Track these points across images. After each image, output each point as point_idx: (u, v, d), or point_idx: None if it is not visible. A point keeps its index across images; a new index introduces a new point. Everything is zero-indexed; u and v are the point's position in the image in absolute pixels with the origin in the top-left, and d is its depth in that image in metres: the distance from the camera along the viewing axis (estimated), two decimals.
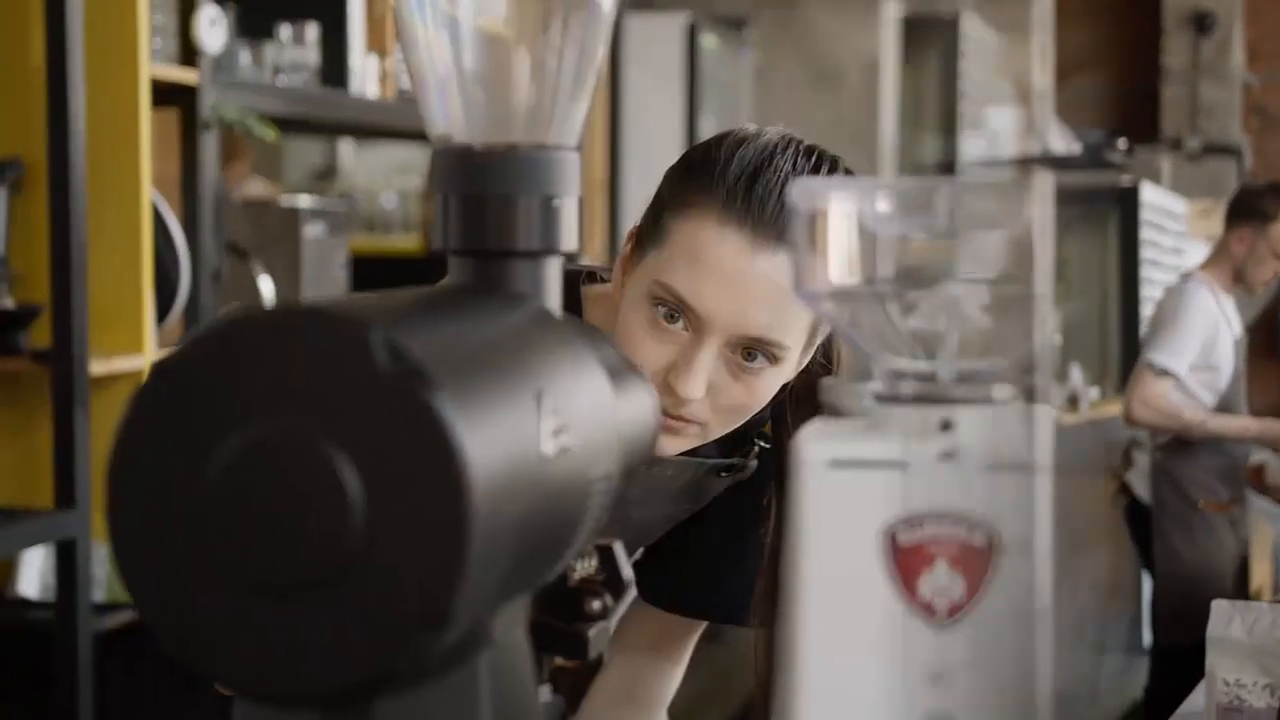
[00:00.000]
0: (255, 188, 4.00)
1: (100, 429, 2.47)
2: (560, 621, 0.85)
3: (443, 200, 0.80)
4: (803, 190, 0.72)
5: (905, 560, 0.69)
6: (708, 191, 1.27)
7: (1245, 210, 4.40)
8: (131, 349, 2.58)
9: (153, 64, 2.64)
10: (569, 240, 0.81)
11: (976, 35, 7.39)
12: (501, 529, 0.64)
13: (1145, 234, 6.92)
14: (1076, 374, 6.27)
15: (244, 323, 0.63)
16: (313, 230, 3.13)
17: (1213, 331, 4.34)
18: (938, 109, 7.29)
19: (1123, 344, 7.35)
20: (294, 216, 3.18)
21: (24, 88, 2.52)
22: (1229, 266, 4.43)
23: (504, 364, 0.69)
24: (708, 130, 6.37)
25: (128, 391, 2.60)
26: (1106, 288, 7.17)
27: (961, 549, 0.68)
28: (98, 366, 2.51)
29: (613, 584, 0.87)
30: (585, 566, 0.87)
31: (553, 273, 0.81)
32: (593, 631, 0.84)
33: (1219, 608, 2.02)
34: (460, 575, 0.61)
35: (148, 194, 2.59)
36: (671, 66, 5.57)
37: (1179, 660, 4.39)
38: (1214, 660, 1.95)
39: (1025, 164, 5.63)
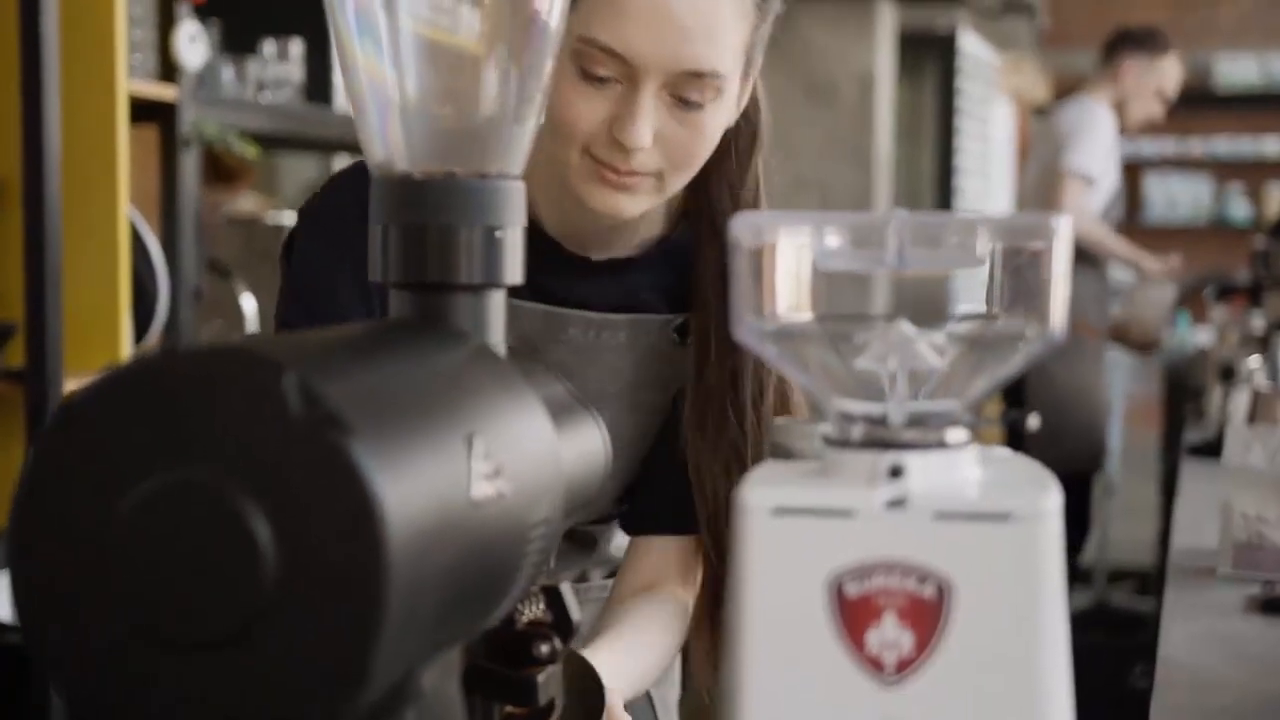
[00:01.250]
0: (246, 203, 3.97)
1: None
2: (508, 667, 0.82)
3: (382, 231, 0.77)
4: (746, 225, 0.69)
5: (852, 613, 0.66)
6: None
7: (1137, 41, 4.58)
8: (108, 368, 2.55)
9: (132, 80, 2.61)
10: (513, 273, 0.78)
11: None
12: (425, 580, 0.61)
13: (959, 83, 6.98)
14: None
15: (155, 363, 0.60)
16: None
17: (1110, 144, 4.52)
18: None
19: (937, 194, 7.39)
20: (279, 234, 3.15)
21: None
22: (1111, 99, 4.61)
23: (433, 406, 0.66)
24: None
25: None
26: (922, 134, 7.19)
27: (911, 601, 0.65)
28: (73, 386, 2.48)
29: (561, 626, 0.84)
30: (532, 609, 0.84)
31: (496, 306, 0.78)
32: (542, 677, 0.81)
33: (1236, 433, 1.91)
34: (378, 631, 0.58)
35: (125, 211, 2.56)
36: None
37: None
38: (1231, 492, 1.83)
39: None
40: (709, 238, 1.37)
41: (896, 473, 0.67)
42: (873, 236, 0.68)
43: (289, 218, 3.31)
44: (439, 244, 0.76)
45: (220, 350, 0.60)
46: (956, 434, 0.69)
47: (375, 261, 0.77)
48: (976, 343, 0.70)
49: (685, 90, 1.23)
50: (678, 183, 1.29)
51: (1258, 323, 4.15)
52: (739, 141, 1.35)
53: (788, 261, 0.69)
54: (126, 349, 2.59)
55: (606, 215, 1.29)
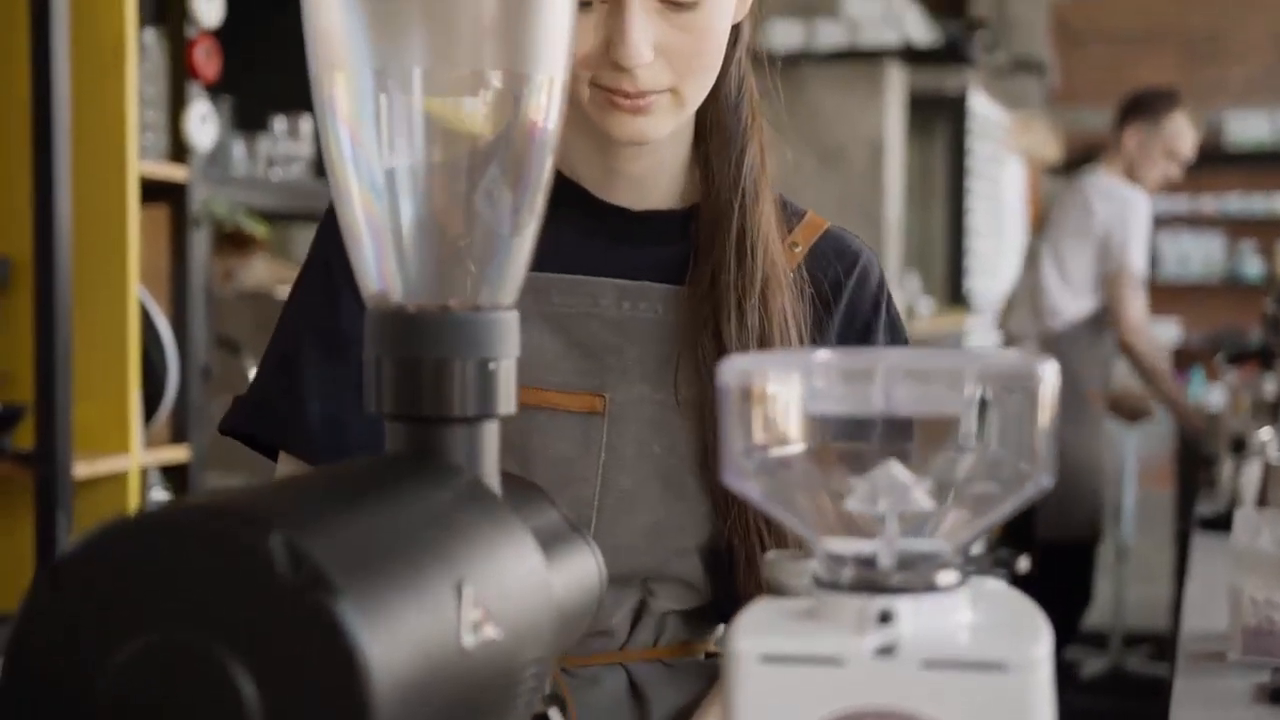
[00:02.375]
0: (259, 269, 3.98)
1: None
2: None
3: (375, 363, 0.77)
4: (733, 370, 0.69)
5: None
6: None
7: (1138, 109, 4.61)
8: (118, 449, 2.55)
9: (143, 161, 2.63)
10: (507, 404, 0.78)
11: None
12: None
13: (970, 143, 6.99)
14: (913, 283, 6.27)
15: (141, 523, 0.60)
16: None
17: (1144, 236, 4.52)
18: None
19: (949, 255, 7.38)
20: None
21: (10, 185, 2.51)
22: (1123, 167, 4.60)
23: (422, 555, 0.66)
24: None
25: (113, 494, 2.57)
26: (933, 195, 7.20)
27: None
28: (83, 469, 2.48)
29: None
30: None
31: (490, 437, 0.78)
32: None
33: (1244, 517, 1.88)
34: None
35: (135, 292, 2.57)
36: None
37: (1059, 556, 4.42)
38: (1239, 577, 1.80)
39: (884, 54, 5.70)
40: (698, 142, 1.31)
41: (886, 618, 0.67)
42: (861, 377, 0.69)
43: None
44: (433, 377, 0.76)
45: (208, 508, 0.60)
46: (947, 576, 0.69)
47: (370, 392, 0.77)
48: (966, 485, 0.69)
49: None
50: (696, 92, 1.21)
51: (1270, 387, 4.14)
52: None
53: (775, 404, 0.69)
54: (136, 429, 2.60)
55: (631, 142, 1.22)
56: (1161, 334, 10.25)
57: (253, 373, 3.05)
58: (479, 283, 0.78)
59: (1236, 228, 10.24)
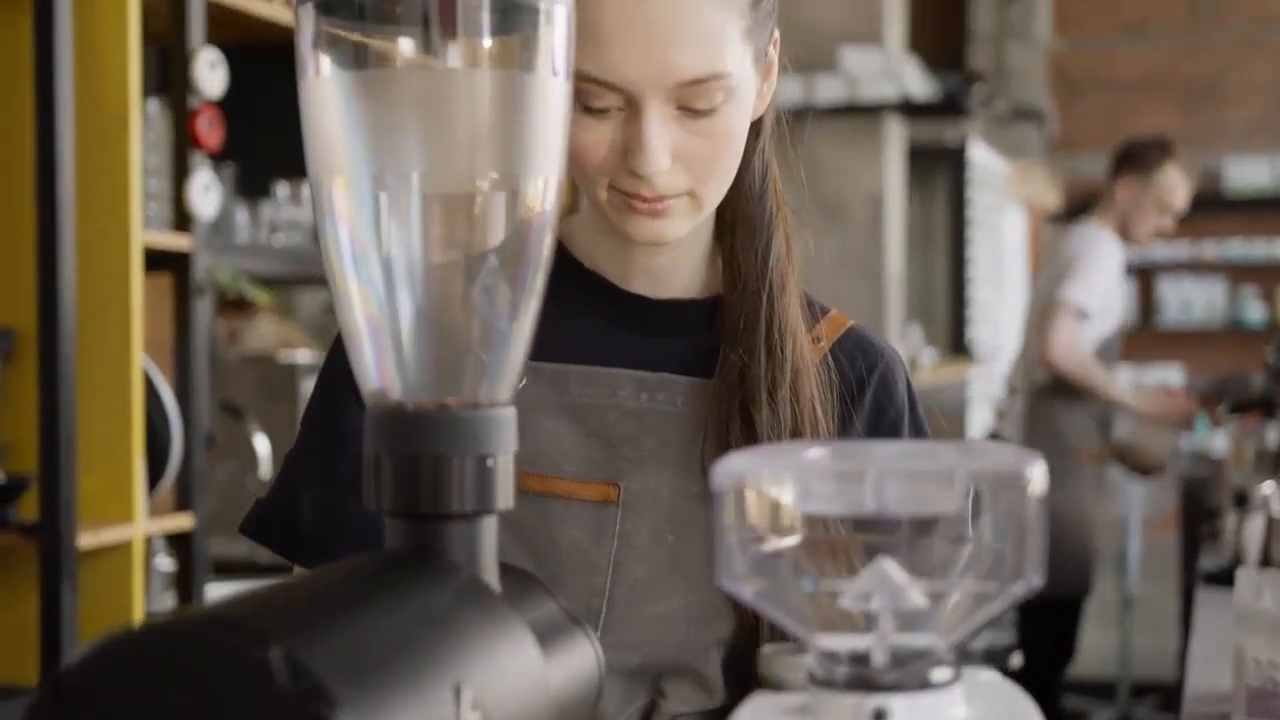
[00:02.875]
0: (264, 329, 4.00)
1: (88, 604, 2.45)
2: None
3: (375, 460, 0.78)
4: (726, 470, 0.70)
5: None
6: None
7: (1129, 160, 4.59)
8: (122, 519, 2.56)
9: (147, 231, 2.65)
10: (505, 499, 0.79)
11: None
12: None
13: (970, 193, 7.00)
14: (916, 334, 6.26)
15: (143, 635, 0.61)
16: (311, 386, 3.12)
17: (1113, 278, 4.51)
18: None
19: (951, 305, 7.38)
20: (292, 373, 3.18)
21: (15, 256, 2.53)
22: (1115, 217, 4.59)
23: (420, 659, 0.67)
24: None
25: (117, 564, 2.58)
26: (934, 245, 7.22)
27: None
28: (87, 539, 2.49)
29: None
30: None
31: (488, 532, 0.79)
32: None
33: (1245, 577, 1.87)
34: None
35: (139, 362, 2.58)
36: None
37: (1042, 615, 4.40)
38: (1242, 637, 1.79)
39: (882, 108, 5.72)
40: (722, 234, 1.30)
41: (881, 717, 0.67)
42: (853, 478, 0.70)
43: (302, 356, 3.33)
44: (432, 475, 0.77)
45: (209, 619, 0.61)
46: (941, 673, 0.69)
47: (369, 489, 0.78)
48: (958, 582, 0.70)
49: (691, 100, 1.15)
50: (713, 195, 1.21)
51: (1273, 436, 4.14)
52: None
53: (768, 504, 0.70)
54: (140, 498, 2.61)
55: (650, 243, 1.22)
56: (1164, 379, 10.28)
57: (257, 438, 3.06)
58: (477, 380, 0.79)
59: (1238, 273, 10.27)
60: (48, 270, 2.45)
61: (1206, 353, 10.35)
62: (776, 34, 1.26)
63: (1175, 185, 4.58)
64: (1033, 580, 0.69)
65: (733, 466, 0.71)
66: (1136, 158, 4.59)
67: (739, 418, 1.24)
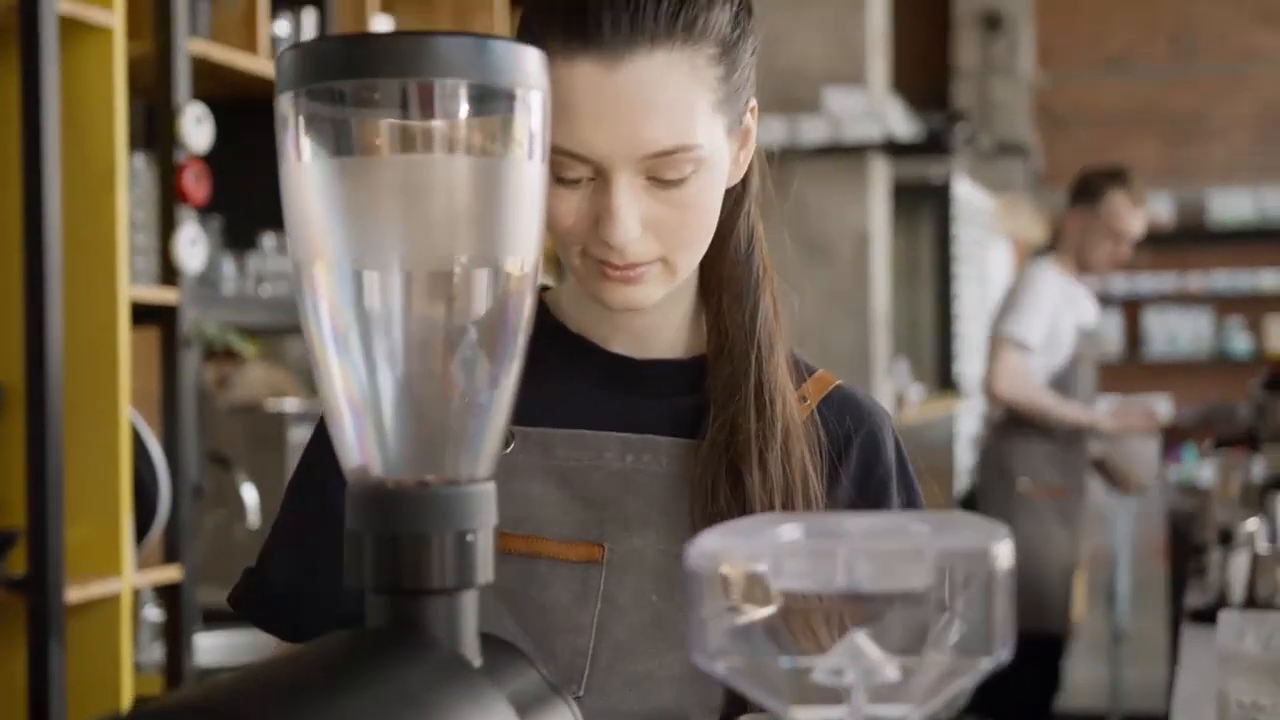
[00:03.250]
0: (253, 373, 4.01)
1: (76, 658, 2.45)
2: None
3: (357, 536, 0.80)
4: (700, 552, 0.72)
5: None
6: (545, 32, 1.16)
7: (1079, 192, 4.61)
8: (110, 572, 2.57)
9: (133, 285, 2.66)
10: (484, 573, 0.80)
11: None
12: None
13: (955, 229, 7.03)
14: (903, 370, 6.27)
15: None
16: (299, 435, 3.14)
17: (1056, 312, 4.51)
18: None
19: (937, 340, 7.39)
20: (281, 421, 3.19)
21: (2, 311, 2.54)
22: (1071, 251, 4.62)
23: None
24: None
25: (106, 617, 2.58)
26: (920, 281, 7.25)
27: None
28: (75, 593, 2.49)
29: None
30: None
31: (469, 606, 0.80)
32: None
33: (1227, 620, 1.88)
34: None
35: (126, 415, 2.59)
36: None
37: (1021, 651, 4.34)
38: (1225, 680, 1.80)
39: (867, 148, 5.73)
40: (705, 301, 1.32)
41: None
42: (824, 556, 0.71)
43: (290, 404, 3.34)
44: (412, 552, 0.78)
45: (189, 706, 0.62)
46: None
47: (351, 564, 0.80)
48: (930, 656, 0.72)
49: (660, 171, 1.17)
50: (686, 262, 1.22)
51: (1258, 469, 4.15)
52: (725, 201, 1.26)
53: (741, 582, 0.72)
54: (128, 552, 2.61)
55: (625, 309, 1.23)
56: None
57: (245, 488, 3.07)
58: (457, 456, 0.81)
59: (1223, 305, 10.33)
60: (35, 325, 2.46)
61: (1193, 383, 10.39)
62: (753, 102, 1.27)
63: (1122, 212, 4.55)
64: (1001, 654, 0.71)
65: (707, 545, 0.72)
66: (1085, 188, 4.60)
67: (727, 479, 1.25)
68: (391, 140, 0.94)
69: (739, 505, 1.24)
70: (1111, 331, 10.53)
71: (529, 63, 0.80)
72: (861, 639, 0.72)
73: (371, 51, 0.79)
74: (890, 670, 0.72)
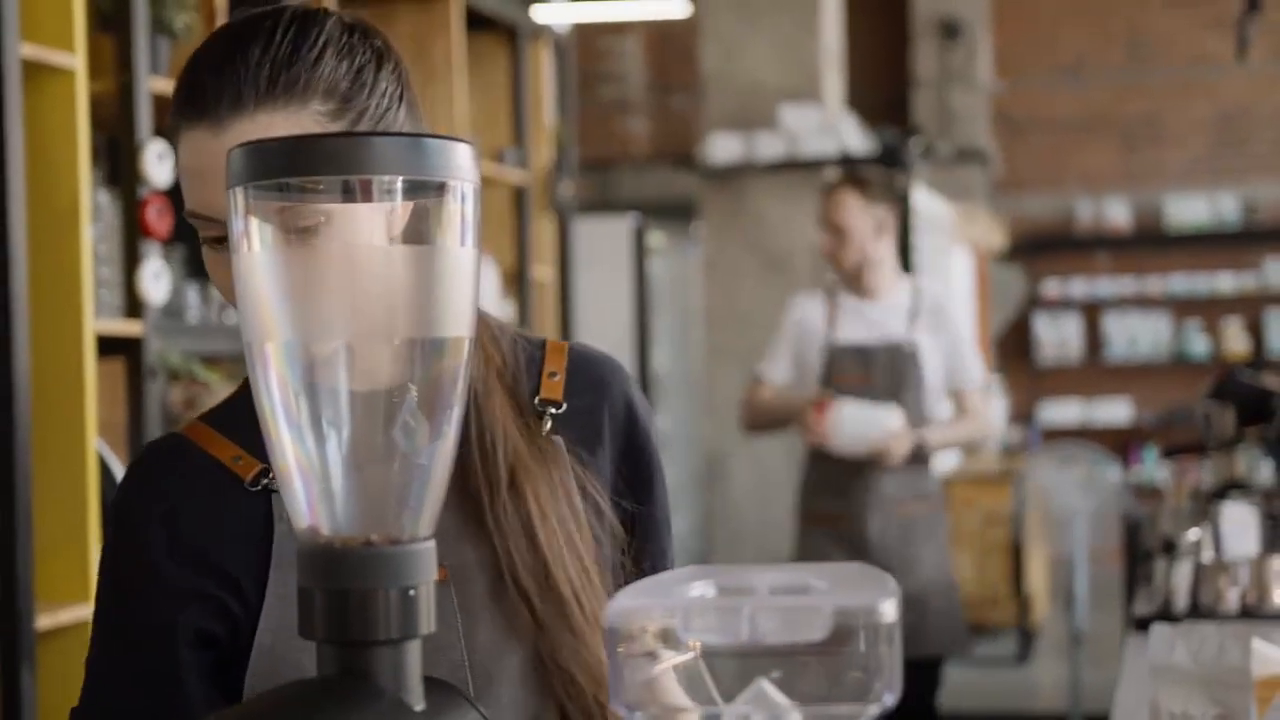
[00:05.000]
0: (220, 394, 4.06)
1: (47, 684, 2.51)
2: None
3: (307, 593, 0.86)
4: (618, 610, 0.79)
5: None
6: (175, 109, 1.24)
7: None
8: (79, 599, 2.62)
9: (98, 318, 2.72)
10: (427, 623, 0.87)
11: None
12: None
13: (914, 239, 7.11)
14: None
15: None
16: None
17: (797, 341, 4.29)
18: None
19: None
20: None
21: None
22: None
23: None
24: (658, 325, 6.54)
25: (76, 643, 2.64)
26: None
27: None
28: (45, 620, 2.55)
29: None
30: None
31: (412, 655, 0.87)
32: None
33: (1159, 632, 1.94)
34: None
35: (93, 445, 2.65)
36: (620, 264, 5.71)
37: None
38: (1157, 691, 1.86)
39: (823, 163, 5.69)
40: None
41: None
42: (730, 612, 0.78)
43: None
44: (360, 606, 0.85)
45: None
46: None
47: (303, 618, 0.87)
48: (827, 700, 0.79)
49: (290, 224, 1.17)
50: None
51: (1207, 477, 4.23)
52: None
53: (654, 637, 0.79)
54: (94, 579, 2.67)
55: None
56: (1112, 413, 10.45)
57: None
58: (399, 516, 0.88)
59: (1181, 307, 10.45)
60: (3, 357, 2.52)
61: (1153, 386, 10.52)
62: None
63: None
64: (886, 699, 0.78)
65: (623, 603, 0.79)
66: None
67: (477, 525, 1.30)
68: (333, 230, 1.01)
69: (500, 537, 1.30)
70: (1072, 335, 10.65)
71: (459, 157, 0.87)
72: (767, 686, 0.80)
73: (314, 151, 0.86)
74: (794, 716, 0.79)
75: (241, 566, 1.27)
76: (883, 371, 4.21)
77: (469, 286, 0.89)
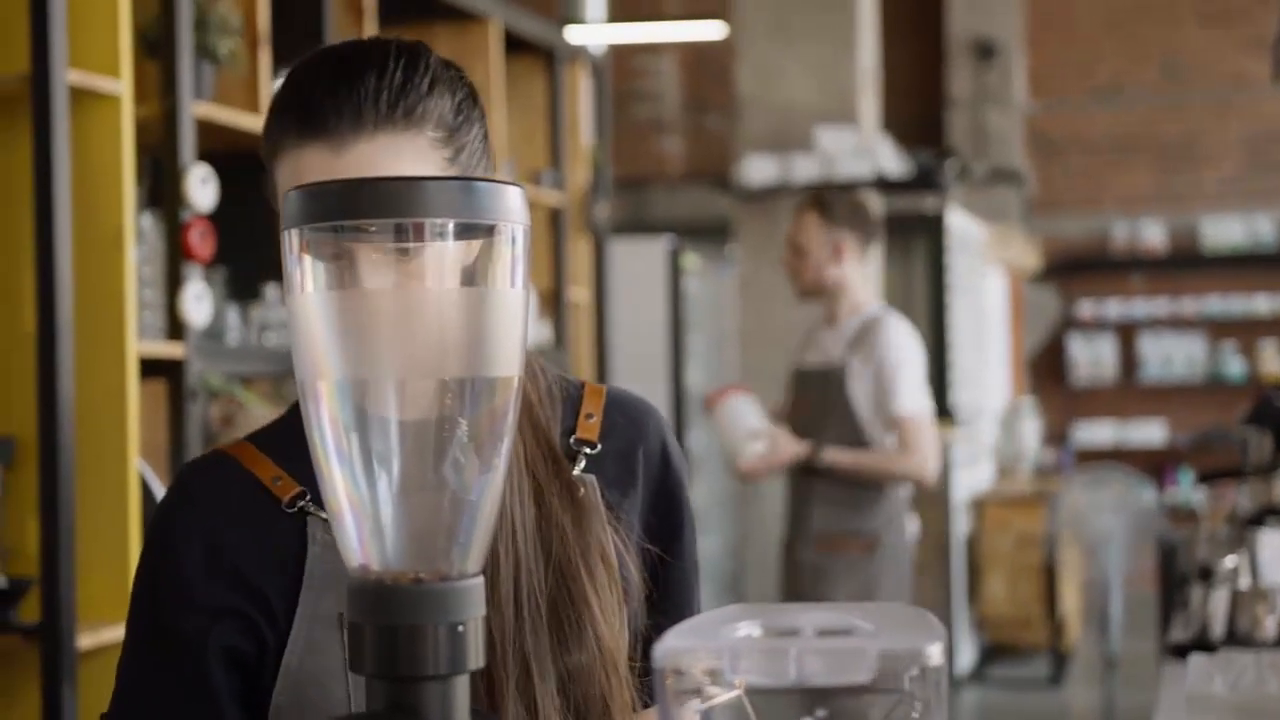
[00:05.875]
0: (259, 412, 4.08)
1: (88, 703, 2.53)
2: None
3: (357, 628, 0.88)
4: (666, 651, 0.80)
5: None
6: (282, 127, 1.25)
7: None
8: (121, 619, 2.64)
9: (141, 340, 2.75)
10: (475, 659, 0.89)
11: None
12: None
13: (948, 259, 7.09)
14: None
15: None
16: None
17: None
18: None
19: (932, 370, 7.41)
20: None
21: (15, 368, 2.63)
22: None
23: None
24: (693, 346, 6.55)
25: (115, 662, 2.66)
26: (914, 312, 7.32)
27: None
28: (86, 639, 2.57)
29: None
30: None
31: (461, 690, 0.88)
32: None
33: (1197, 663, 1.94)
34: None
35: (135, 466, 2.68)
36: (656, 285, 5.73)
37: None
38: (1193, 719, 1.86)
39: (859, 185, 5.65)
40: None
41: None
42: (779, 655, 0.80)
43: None
44: (409, 642, 0.87)
45: None
46: None
47: (353, 653, 0.88)
48: None
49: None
50: None
51: (1244, 502, 4.21)
52: None
53: (702, 677, 0.80)
54: None
55: None
56: (1147, 435, 10.41)
57: None
58: (449, 552, 0.89)
59: (1217, 329, 10.40)
60: (47, 380, 2.55)
61: (1188, 407, 10.46)
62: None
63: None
64: None
65: (670, 645, 0.81)
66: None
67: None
68: (385, 273, 1.03)
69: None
70: (1106, 356, 10.61)
71: (510, 199, 0.89)
72: None
73: (368, 194, 0.87)
74: None
75: (273, 586, 1.27)
76: (816, 395, 4.15)
77: (518, 326, 0.90)
